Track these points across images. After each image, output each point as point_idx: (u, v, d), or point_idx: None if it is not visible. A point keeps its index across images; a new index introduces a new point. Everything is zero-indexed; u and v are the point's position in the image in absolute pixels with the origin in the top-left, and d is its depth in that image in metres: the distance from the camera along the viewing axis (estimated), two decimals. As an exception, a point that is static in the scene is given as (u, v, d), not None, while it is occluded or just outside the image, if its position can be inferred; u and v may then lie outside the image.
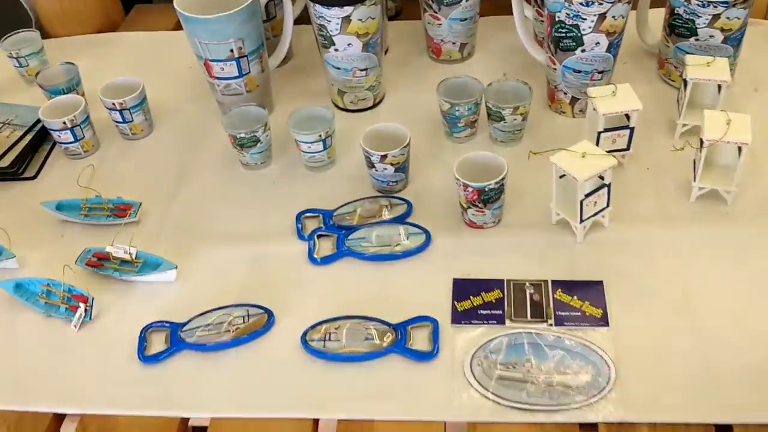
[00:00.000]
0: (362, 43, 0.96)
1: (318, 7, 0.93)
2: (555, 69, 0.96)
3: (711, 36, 0.94)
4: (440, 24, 1.07)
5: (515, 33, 1.14)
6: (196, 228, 0.91)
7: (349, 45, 0.96)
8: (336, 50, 0.97)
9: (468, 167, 0.84)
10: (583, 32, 0.89)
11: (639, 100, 0.86)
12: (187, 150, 1.03)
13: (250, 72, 0.99)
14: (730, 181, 0.84)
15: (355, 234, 0.86)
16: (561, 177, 0.81)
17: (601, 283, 0.78)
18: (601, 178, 0.83)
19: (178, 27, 1.28)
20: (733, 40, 0.94)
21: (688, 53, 0.97)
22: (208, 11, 0.95)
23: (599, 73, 0.94)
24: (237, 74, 0.98)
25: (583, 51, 0.91)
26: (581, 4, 0.86)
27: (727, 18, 0.92)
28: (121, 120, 1.02)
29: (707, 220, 0.84)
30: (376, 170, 0.89)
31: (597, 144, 0.88)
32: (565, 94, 0.97)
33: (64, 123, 0.98)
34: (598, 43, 0.90)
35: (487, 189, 0.81)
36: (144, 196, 0.96)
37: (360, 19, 0.94)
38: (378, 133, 0.90)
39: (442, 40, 1.09)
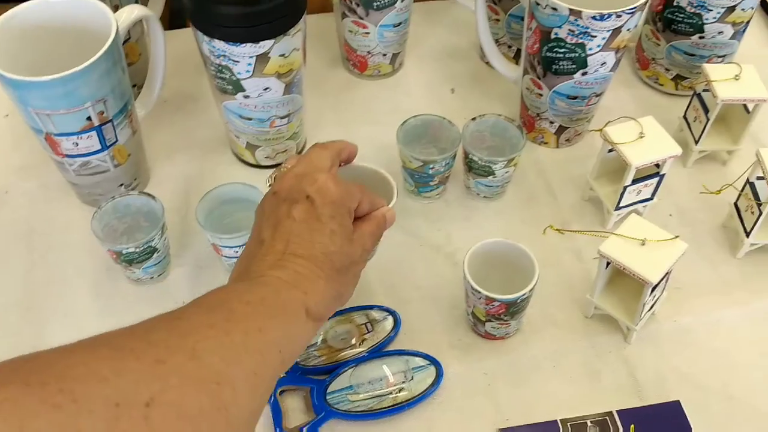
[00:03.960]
0: (284, 84, 0.67)
1: (218, 44, 0.62)
2: (540, 95, 0.73)
3: (720, 32, 0.75)
4: (367, 33, 0.79)
5: (445, 27, 0.91)
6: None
7: (266, 89, 0.66)
8: (246, 97, 0.67)
9: (477, 263, 0.61)
10: (589, 52, 0.66)
11: (676, 143, 0.66)
12: (34, 260, 0.70)
13: (117, 141, 0.67)
14: (787, 232, 0.67)
15: (336, 382, 0.60)
16: (607, 266, 0.60)
17: (678, 404, 0.60)
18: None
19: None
20: (740, 34, 0.77)
21: (688, 54, 0.78)
22: (38, 63, 0.61)
23: (597, 96, 0.73)
24: (99, 147, 0.66)
25: (584, 74, 0.69)
26: (593, 18, 0.63)
27: (742, 9, 0.73)
28: None
29: (765, 284, 0.67)
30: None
31: (621, 199, 0.68)
32: (551, 123, 0.75)
33: None
34: (605, 63, 0.68)
35: (519, 300, 0.58)
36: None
37: (282, 55, 0.64)
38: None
39: (369, 52, 0.82)
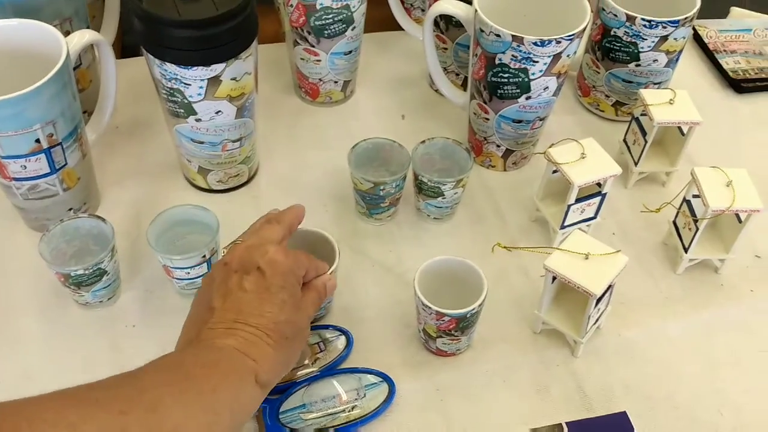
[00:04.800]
0: (236, 107, 0.68)
1: (169, 67, 0.63)
2: (487, 119, 0.75)
3: (655, 60, 0.79)
4: (319, 60, 0.81)
5: (396, 56, 0.94)
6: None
7: (218, 113, 0.67)
8: (198, 120, 0.68)
9: (427, 281, 0.62)
10: (531, 77, 0.69)
11: (616, 163, 0.68)
12: (-22, 286, 0.68)
13: (66, 164, 0.66)
14: (723, 248, 0.70)
15: (289, 401, 0.59)
16: (553, 281, 0.62)
17: (624, 414, 0.61)
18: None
19: None
20: (674, 62, 0.81)
21: (626, 81, 0.81)
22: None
23: (541, 120, 0.75)
24: (48, 170, 0.65)
25: (528, 98, 0.71)
26: (534, 44, 0.66)
27: (674, 39, 0.77)
28: None
29: (704, 298, 0.70)
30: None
31: (565, 218, 0.70)
32: (498, 146, 0.77)
33: None
34: (547, 87, 0.71)
35: (468, 315, 0.60)
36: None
37: (234, 78, 0.65)
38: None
39: (320, 80, 0.83)
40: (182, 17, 0.61)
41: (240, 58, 0.64)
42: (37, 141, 0.62)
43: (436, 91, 0.89)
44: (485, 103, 0.74)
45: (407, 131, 0.84)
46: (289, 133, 0.84)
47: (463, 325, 0.60)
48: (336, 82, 0.84)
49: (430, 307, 0.59)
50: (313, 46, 0.79)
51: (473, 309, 0.59)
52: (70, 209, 0.70)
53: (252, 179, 0.78)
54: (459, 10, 0.72)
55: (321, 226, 0.65)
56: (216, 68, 0.63)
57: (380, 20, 0.91)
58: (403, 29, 0.96)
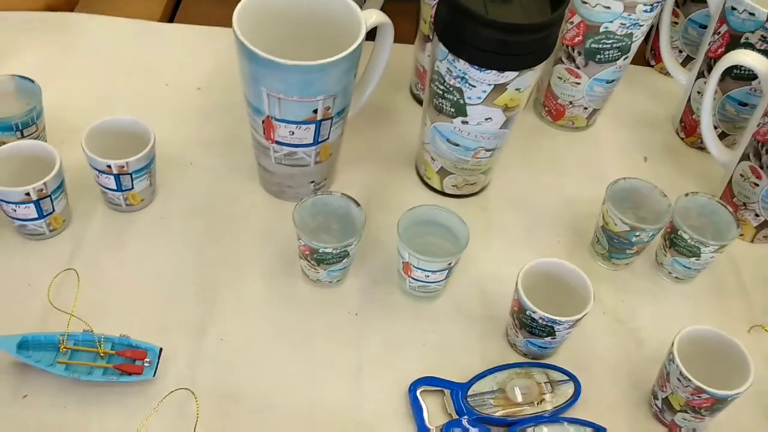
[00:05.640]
0: (505, 118, 0.65)
1: (461, 65, 0.60)
2: (756, 184, 0.69)
3: None
4: (578, 83, 0.77)
5: (643, 92, 0.88)
6: (247, 395, 0.58)
7: (487, 119, 0.65)
8: (464, 123, 0.65)
9: (685, 350, 0.57)
10: (832, 153, 0.63)
11: None
12: (210, 236, 0.69)
13: (327, 139, 0.65)
14: None
15: (512, 438, 0.56)
16: (824, 384, 0.56)
17: None
18: None
19: (168, 13, 0.91)
20: None
21: None
22: (279, 43, 0.60)
23: (817, 199, 0.69)
24: (311, 141, 0.64)
25: (817, 175, 0.65)
26: None
27: None
28: (115, 187, 0.66)
29: None
30: (554, 338, 0.60)
31: (832, 313, 0.63)
32: (756, 216, 0.71)
33: (28, 195, 0.61)
34: (843, 167, 0.64)
35: (729, 399, 0.54)
36: (153, 321, 0.61)
37: (518, 89, 0.62)
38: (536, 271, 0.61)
39: (570, 102, 0.80)
40: (491, 17, 0.58)
41: (533, 69, 0.61)
42: (314, 111, 0.61)
43: (683, 139, 0.83)
44: (761, 168, 0.68)
45: (647, 174, 0.78)
46: (524, 150, 0.80)
47: (718, 406, 0.55)
48: (586, 108, 0.80)
49: (689, 380, 0.54)
50: (578, 68, 0.75)
51: (738, 393, 0.54)
52: (312, 182, 0.69)
53: (483, 190, 0.76)
54: (760, 66, 0.66)
55: (553, 257, 0.62)
56: (507, 75, 0.60)
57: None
58: (650, 65, 0.91)
